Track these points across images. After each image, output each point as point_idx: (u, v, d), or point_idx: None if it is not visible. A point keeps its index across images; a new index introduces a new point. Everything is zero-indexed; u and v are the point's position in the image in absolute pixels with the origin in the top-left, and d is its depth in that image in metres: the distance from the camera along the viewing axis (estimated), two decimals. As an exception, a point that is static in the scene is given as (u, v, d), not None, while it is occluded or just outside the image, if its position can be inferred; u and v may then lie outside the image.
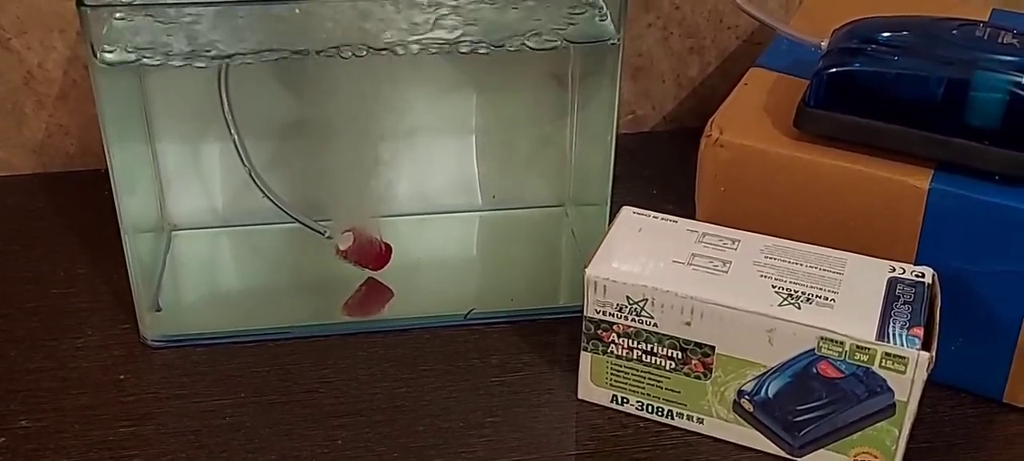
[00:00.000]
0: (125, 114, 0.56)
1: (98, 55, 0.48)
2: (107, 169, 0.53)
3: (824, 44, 0.54)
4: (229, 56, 0.50)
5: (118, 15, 0.50)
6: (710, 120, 0.54)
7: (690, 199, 0.55)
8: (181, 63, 0.49)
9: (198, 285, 0.61)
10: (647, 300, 0.48)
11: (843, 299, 0.47)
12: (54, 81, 0.69)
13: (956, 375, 0.52)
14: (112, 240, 0.56)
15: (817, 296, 0.47)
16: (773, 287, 0.48)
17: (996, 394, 0.52)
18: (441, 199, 0.63)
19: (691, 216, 0.55)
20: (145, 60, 0.49)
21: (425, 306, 0.58)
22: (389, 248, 0.58)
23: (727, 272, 0.49)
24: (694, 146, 0.55)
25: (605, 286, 0.49)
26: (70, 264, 0.62)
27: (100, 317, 0.58)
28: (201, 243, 0.62)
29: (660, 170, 0.72)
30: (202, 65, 0.50)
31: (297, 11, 0.50)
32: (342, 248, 0.57)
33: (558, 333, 0.57)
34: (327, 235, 0.57)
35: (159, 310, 0.57)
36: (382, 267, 0.58)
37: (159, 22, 0.49)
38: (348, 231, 0.57)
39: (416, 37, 0.51)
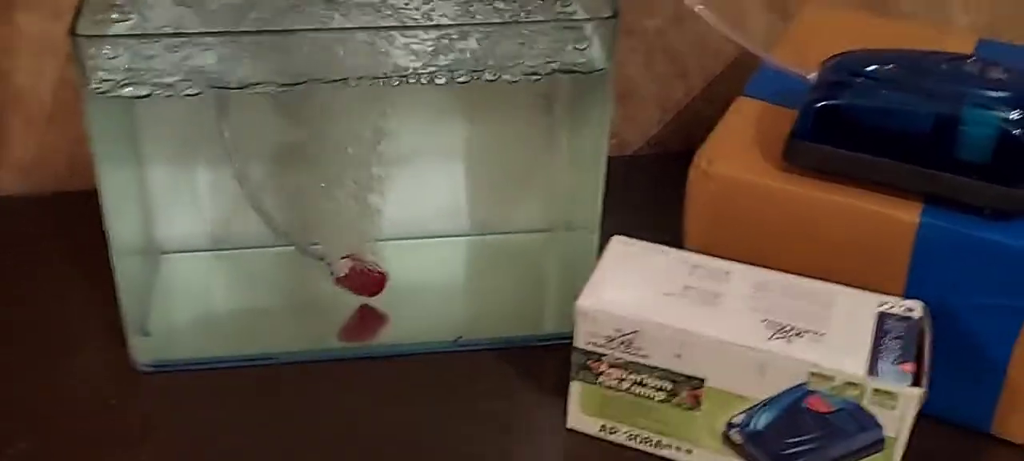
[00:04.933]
0: (115, 138, 0.55)
1: (90, 83, 0.48)
2: (95, 190, 0.53)
3: (812, 76, 0.54)
4: (224, 87, 0.50)
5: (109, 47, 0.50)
6: (699, 150, 0.55)
7: (676, 224, 0.55)
8: (175, 93, 0.49)
9: (187, 309, 0.61)
10: (638, 332, 0.48)
11: (833, 333, 0.47)
12: (43, 103, 0.69)
13: (944, 407, 0.52)
14: (102, 262, 0.55)
15: (807, 330, 0.47)
16: (763, 320, 0.48)
17: (984, 426, 0.53)
18: (431, 223, 0.63)
19: (678, 241, 0.55)
20: (138, 90, 0.49)
21: (415, 332, 0.58)
22: (384, 275, 0.58)
23: (718, 305, 0.49)
24: (679, 170, 0.55)
25: (596, 318, 0.49)
26: (61, 286, 0.62)
27: (92, 340, 0.58)
28: (190, 266, 0.62)
29: (646, 194, 0.72)
30: (197, 91, 0.50)
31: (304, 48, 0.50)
32: (339, 276, 0.57)
33: (547, 360, 0.57)
34: (326, 263, 0.57)
35: (147, 334, 0.57)
36: (377, 293, 0.58)
37: (153, 52, 0.49)
38: (346, 259, 0.57)
39: (413, 67, 0.51)
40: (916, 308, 0.49)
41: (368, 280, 0.58)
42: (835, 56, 0.54)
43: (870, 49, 0.54)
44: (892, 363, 0.46)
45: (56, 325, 0.59)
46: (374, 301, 0.59)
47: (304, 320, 0.59)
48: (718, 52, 0.77)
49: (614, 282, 0.50)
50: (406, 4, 0.55)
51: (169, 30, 0.50)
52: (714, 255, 0.53)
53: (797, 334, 0.47)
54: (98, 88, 0.48)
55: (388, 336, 0.58)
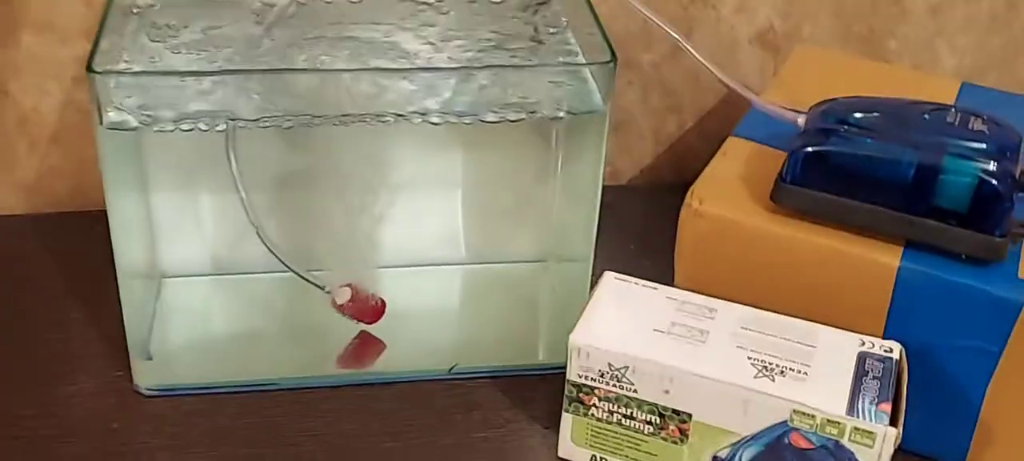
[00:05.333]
0: (124, 165, 0.57)
1: (104, 119, 0.49)
2: (96, 211, 0.54)
3: (801, 120, 0.56)
4: (233, 121, 0.52)
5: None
6: (690, 190, 0.56)
7: (666, 255, 0.57)
8: (188, 127, 0.51)
9: (189, 334, 0.62)
10: (628, 367, 0.50)
11: (815, 372, 0.49)
12: (48, 124, 0.70)
13: (920, 442, 0.54)
14: (102, 284, 0.57)
15: (790, 369, 0.49)
16: (749, 358, 0.50)
17: (958, 461, 0.55)
18: (428, 252, 0.65)
19: (668, 272, 0.57)
20: (150, 125, 0.50)
21: (411, 360, 0.60)
22: (383, 303, 0.59)
23: (705, 342, 0.51)
24: (670, 200, 0.57)
25: (589, 353, 0.51)
26: (62, 308, 0.63)
27: (93, 363, 0.59)
28: (192, 290, 0.63)
29: (638, 225, 0.74)
30: (205, 128, 0.51)
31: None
32: (339, 302, 0.58)
33: (539, 389, 0.58)
34: (327, 290, 0.58)
35: (149, 359, 0.58)
36: (376, 321, 0.59)
37: (165, 88, 0.51)
38: (345, 286, 0.58)
39: (413, 108, 0.53)
40: (894, 349, 0.51)
41: (367, 308, 0.59)
42: (823, 102, 0.56)
43: (856, 97, 0.56)
44: (871, 403, 0.48)
45: (57, 346, 0.60)
46: (372, 328, 0.60)
47: (303, 346, 0.61)
48: (711, 88, 0.79)
49: (606, 318, 0.52)
50: (412, 48, 0.56)
51: (182, 67, 0.51)
52: (703, 290, 0.55)
53: (780, 372, 0.49)
54: (112, 122, 0.50)
55: (385, 363, 0.60)
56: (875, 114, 0.54)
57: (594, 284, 0.56)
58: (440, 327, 0.63)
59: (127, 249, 0.56)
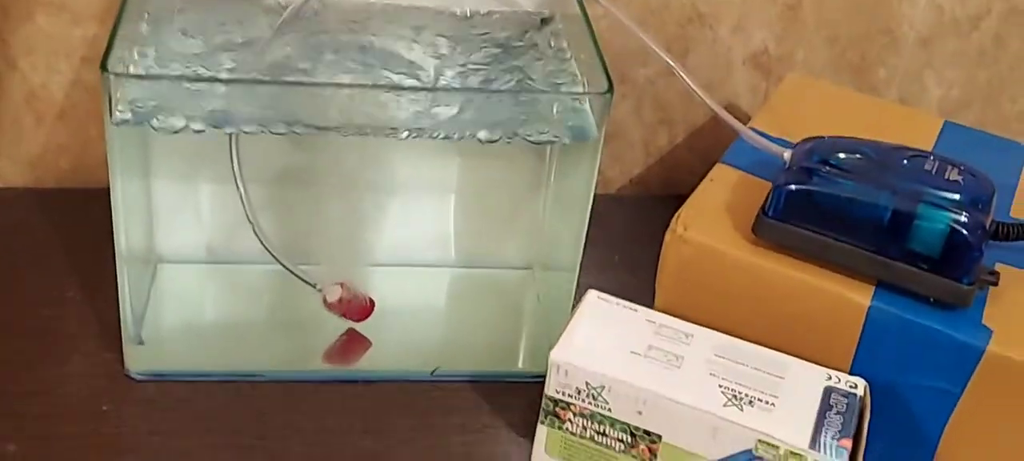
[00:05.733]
0: (130, 155, 0.58)
1: (114, 115, 0.51)
2: (98, 189, 0.55)
3: (786, 155, 0.58)
4: (239, 128, 0.54)
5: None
6: (676, 214, 0.58)
7: (649, 269, 0.59)
8: (197, 128, 0.52)
9: (182, 321, 0.64)
10: (605, 387, 0.52)
11: (782, 403, 0.51)
12: (55, 102, 0.71)
13: (880, 472, 0.57)
14: (100, 263, 0.58)
15: (759, 399, 0.51)
16: (720, 386, 0.52)
17: (915, 494, 0.57)
18: (417, 253, 0.67)
19: (650, 286, 0.59)
20: (159, 125, 0.52)
21: (394, 360, 0.62)
22: (372, 302, 0.61)
23: (680, 367, 0.53)
24: (657, 213, 0.60)
25: (567, 370, 0.53)
26: (60, 285, 0.65)
27: (86, 344, 0.61)
28: (186, 277, 0.65)
29: (624, 236, 0.76)
30: (215, 129, 0.53)
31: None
32: (330, 300, 0.60)
33: (517, 396, 0.60)
34: (318, 288, 0.60)
35: (141, 343, 0.60)
36: (364, 319, 0.61)
37: (174, 89, 0.52)
38: (336, 285, 0.60)
39: (408, 125, 0.54)
40: (859, 385, 0.53)
41: (357, 306, 0.61)
42: (808, 139, 0.58)
43: (841, 137, 0.58)
44: (832, 438, 0.50)
45: (50, 325, 0.62)
46: (360, 326, 0.62)
47: (292, 340, 0.63)
48: (703, 106, 0.80)
49: (586, 336, 0.54)
50: (416, 62, 0.58)
51: (192, 70, 0.53)
52: (682, 312, 0.57)
53: (749, 402, 0.51)
54: (123, 118, 0.51)
55: (370, 361, 0.62)
56: (857, 156, 0.56)
57: (578, 299, 0.58)
58: (425, 328, 0.65)
59: (126, 234, 0.57)
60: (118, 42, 0.52)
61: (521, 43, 0.61)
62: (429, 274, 0.67)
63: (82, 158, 0.73)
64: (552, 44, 0.62)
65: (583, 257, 0.62)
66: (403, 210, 0.65)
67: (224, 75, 0.55)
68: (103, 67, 0.50)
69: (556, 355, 0.53)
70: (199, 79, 0.53)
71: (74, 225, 0.69)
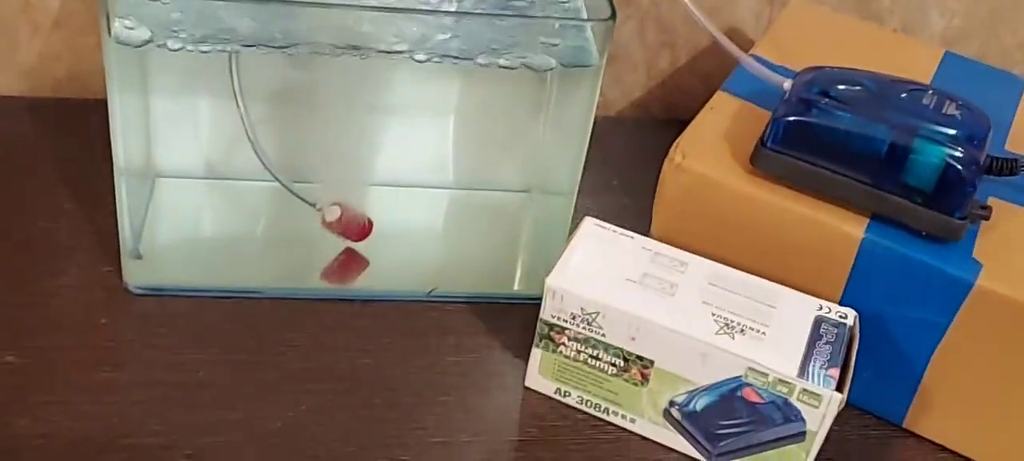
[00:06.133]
0: (128, 69, 0.58)
1: (112, 31, 0.51)
2: (94, 99, 0.55)
3: (786, 85, 0.58)
4: (239, 45, 0.53)
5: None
6: (675, 143, 0.58)
7: (647, 193, 0.59)
8: (192, 48, 0.52)
9: (179, 236, 0.64)
10: (599, 313, 0.53)
11: (773, 332, 0.52)
12: (50, 11, 0.71)
13: (865, 399, 0.58)
14: (95, 176, 0.58)
15: (750, 327, 0.52)
16: (713, 314, 0.53)
17: (897, 420, 0.58)
18: (417, 174, 0.67)
19: (647, 210, 0.59)
20: (155, 42, 0.51)
21: (393, 280, 0.62)
22: (371, 223, 0.61)
23: (673, 295, 0.53)
24: (657, 137, 0.60)
25: (562, 296, 0.53)
26: (55, 197, 0.65)
27: (83, 256, 0.61)
28: (184, 193, 0.65)
29: (623, 159, 0.76)
30: (208, 49, 0.52)
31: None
32: (329, 220, 0.60)
33: (512, 318, 0.61)
34: (317, 208, 0.60)
35: (139, 257, 0.60)
36: (363, 239, 0.62)
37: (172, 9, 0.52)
38: (335, 205, 0.60)
39: (406, 47, 0.54)
40: (849, 316, 0.53)
41: (355, 226, 0.61)
42: (809, 70, 0.58)
43: (841, 68, 0.57)
44: (821, 367, 0.51)
45: (49, 236, 0.62)
46: (358, 245, 0.63)
47: (290, 257, 0.63)
48: (704, 31, 0.80)
49: (582, 263, 0.55)
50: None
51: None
52: (678, 240, 0.57)
53: (740, 331, 0.52)
54: (119, 37, 0.51)
55: (367, 281, 0.62)
56: (857, 88, 0.56)
57: (575, 224, 0.58)
58: (422, 249, 0.65)
59: (124, 148, 0.57)
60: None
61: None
62: (427, 195, 0.68)
63: (79, 67, 0.73)
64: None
65: (581, 180, 0.62)
66: (402, 130, 0.65)
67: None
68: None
69: (552, 281, 0.54)
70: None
71: (70, 136, 0.69)
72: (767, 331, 0.52)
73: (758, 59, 0.65)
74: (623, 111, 0.83)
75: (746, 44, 0.81)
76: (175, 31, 0.52)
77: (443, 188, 0.68)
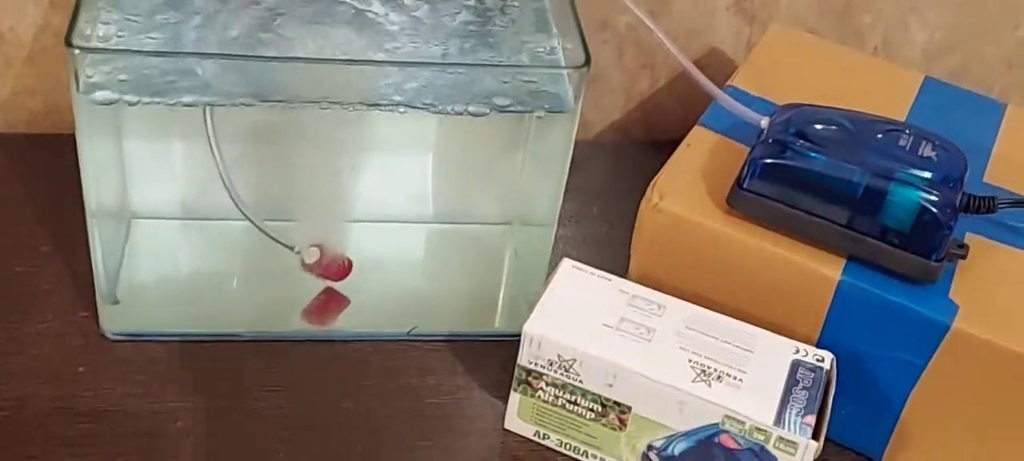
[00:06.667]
0: (99, 120, 0.58)
1: (81, 88, 0.50)
2: (69, 134, 0.54)
3: (764, 123, 0.58)
4: (212, 98, 0.53)
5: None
6: (652, 182, 0.58)
7: (627, 221, 0.59)
8: (163, 101, 0.51)
9: (157, 279, 0.64)
10: (576, 360, 0.53)
11: (750, 379, 0.52)
12: (24, 45, 0.70)
13: (844, 435, 0.58)
14: (73, 214, 0.58)
15: (727, 374, 0.52)
16: (689, 361, 0.53)
17: (876, 457, 0.58)
18: (396, 208, 0.67)
19: (627, 239, 0.59)
20: (127, 98, 0.51)
21: (372, 319, 0.62)
22: (350, 262, 0.61)
23: (650, 341, 0.53)
24: (636, 159, 0.61)
25: (540, 342, 0.53)
26: (32, 238, 0.64)
27: (61, 300, 0.61)
28: (161, 234, 0.65)
29: (602, 184, 0.76)
30: (178, 103, 0.52)
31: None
32: (308, 262, 0.60)
33: (493, 356, 0.61)
34: (296, 250, 0.60)
35: (116, 303, 0.60)
36: (342, 279, 0.62)
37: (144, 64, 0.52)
38: (314, 246, 0.60)
39: (385, 94, 0.54)
40: (825, 359, 0.54)
41: (335, 267, 0.61)
42: (785, 108, 0.58)
43: (818, 108, 0.57)
44: (797, 414, 0.51)
45: (25, 280, 0.61)
46: (338, 284, 0.62)
47: (269, 298, 0.63)
48: (685, 49, 0.79)
49: (560, 308, 0.55)
50: (387, 17, 0.57)
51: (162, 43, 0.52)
52: (656, 278, 0.58)
53: (717, 377, 0.52)
54: (92, 98, 0.50)
55: (347, 321, 0.62)
56: (833, 128, 0.55)
57: (554, 262, 0.58)
58: (403, 286, 0.65)
59: (97, 193, 0.57)
60: (82, 8, 0.51)
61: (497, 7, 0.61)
62: (407, 230, 0.67)
63: (53, 101, 0.72)
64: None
65: (561, 208, 0.62)
66: (380, 167, 0.65)
67: (193, 40, 0.54)
68: (68, 42, 0.49)
69: (529, 328, 0.53)
70: (166, 54, 0.52)
71: (46, 173, 0.68)
72: (744, 377, 0.52)
73: (736, 91, 0.65)
74: (602, 133, 0.83)
75: (726, 66, 0.81)
76: (147, 87, 0.51)
77: (423, 222, 0.68)
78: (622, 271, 0.59)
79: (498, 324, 0.64)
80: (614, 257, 0.60)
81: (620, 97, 0.82)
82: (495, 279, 0.67)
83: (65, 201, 0.61)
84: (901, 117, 0.64)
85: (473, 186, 0.67)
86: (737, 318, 0.56)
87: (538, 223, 0.64)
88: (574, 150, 0.61)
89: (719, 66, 0.81)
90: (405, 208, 0.67)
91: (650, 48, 0.79)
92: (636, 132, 0.83)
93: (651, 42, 0.79)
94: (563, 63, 0.57)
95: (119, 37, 0.54)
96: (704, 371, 0.52)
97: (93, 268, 0.58)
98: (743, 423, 0.51)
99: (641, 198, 0.58)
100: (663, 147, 0.61)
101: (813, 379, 0.53)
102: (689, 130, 0.63)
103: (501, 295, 0.66)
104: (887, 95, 0.66)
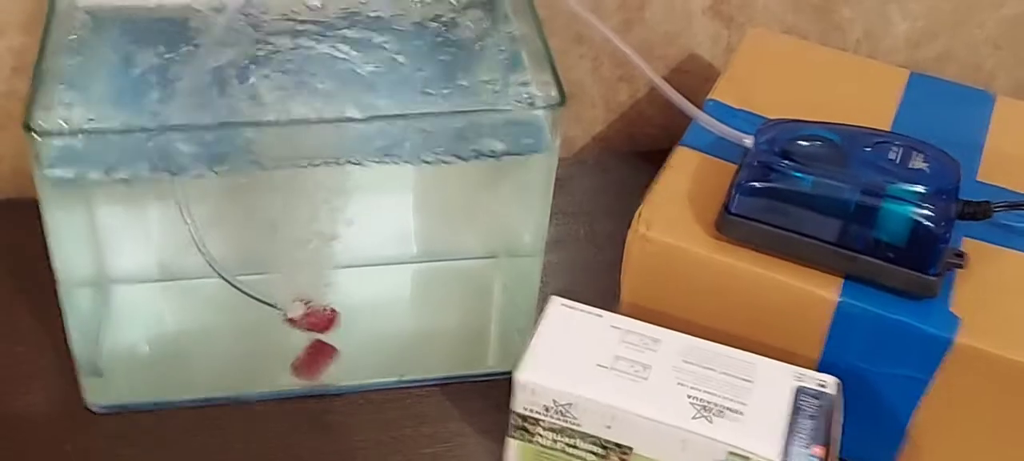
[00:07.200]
0: (67, 193, 0.56)
1: (43, 168, 0.49)
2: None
3: (747, 142, 0.56)
4: (179, 171, 0.51)
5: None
6: (638, 212, 0.57)
7: (614, 243, 0.58)
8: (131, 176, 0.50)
9: (139, 345, 0.62)
10: (572, 404, 0.52)
11: (752, 411, 0.51)
12: (-13, 110, 0.69)
13: (851, 451, 0.56)
14: (50, 283, 0.56)
15: (728, 408, 0.51)
16: (688, 397, 0.51)
17: (886, 473, 0.57)
18: (377, 251, 0.65)
19: (615, 262, 0.58)
20: (91, 176, 0.49)
21: (361, 368, 0.61)
22: (335, 313, 0.60)
23: (647, 379, 0.52)
24: (621, 172, 0.61)
25: (533, 389, 0.52)
26: (11, 311, 0.63)
27: (44, 375, 0.59)
28: (141, 298, 0.63)
29: (588, 203, 0.74)
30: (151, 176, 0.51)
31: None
32: (292, 317, 0.59)
33: (487, 398, 0.60)
34: (278, 307, 0.58)
35: (100, 375, 0.59)
36: (329, 330, 0.60)
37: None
38: (298, 301, 0.58)
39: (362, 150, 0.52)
40: (829, 384, 0.52)
41: (321, 319, 0.60)
42: (768, 126, 0.56)
43: (801, 123, 0.56)
44: (803, 447, 0.50)
45: (10, 357, 0.60)
46: (324, 335, 0.61)
47: (255, 356, 0.61)
48: (663, 56, 0.78)
49: (551, 350, 0.53)
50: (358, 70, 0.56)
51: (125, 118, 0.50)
52: (647, 307, 0.56)
53: (718, 412, 0.51)
54: (52, 177, 0.49)
55: (336, 373, 0.61)
56: (819, 144, 0.54)
57: (542, 296, 0.57)
58: (391, 331, 0.64)
59: (68, 264, 0.55)
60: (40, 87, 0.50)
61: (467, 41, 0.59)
62: (391, 272, 0.66)
63: (20, 165, 0.70)
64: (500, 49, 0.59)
65: (547, 233, 0.61)
66: (359, 210, 0.63)
67: (154, 109, 0.52)
68: (27, 127, 0.47)
69: (521, 375, 0.52)
70: (131, 131, 0.50)
71: (18, 241, 0.66)
72: (745, 409, 0.51)
73: (717, 105, 0.63)
74: (586, 148, 0.82)
75: (705, 71, 0.80)
76: (112, 165, 0.50)
77: (407, 262, 0.66)
78: (613, 296, 0.58)
79: (491, 362, 0.63)
80: (604, 283, 0.59)
81: (601, 110, 0.81)
82: (485, 315, 0.66)
83: (41, 268, 0.59)
84: (889, 117, 0.63)
85: (455, 221, 0.66)
86: (734, 345, 0.54)
87: (524, 254, 0.63)
88: (558, 170, 0.59)
89: (699, 71, 0.79)
90: (387, 249, 0.65)
91: (627, 59, 0.77)
92: (619, 143, 0.82)
93: (628, 51, 0.77)
94: (537, 99, 0.56)
95: (81, 109, 0.52)
96: (704, 406, 0.51)
97: (69, 342, 0.57)
98: (747, 459, 0.50)
99: (628, 217, 0.57)
100: (647, 158, 0.60)
101: (818, 407, 0.51)
102: (673, 138, 0.62)
103: (492, 330, 0.65)
104: (873, 96, 0.65)
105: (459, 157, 0.54)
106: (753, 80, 0.66)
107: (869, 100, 0.64)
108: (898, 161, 0.53)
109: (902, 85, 0.66)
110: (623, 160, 0.80)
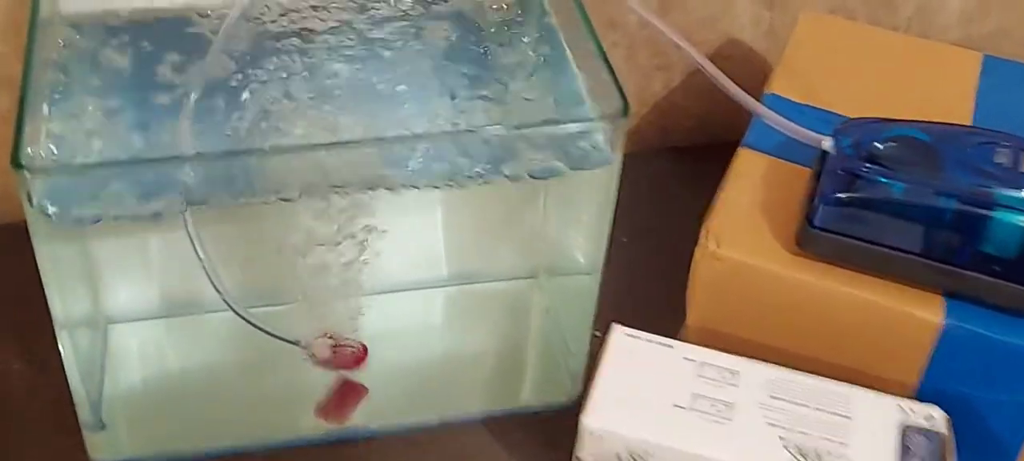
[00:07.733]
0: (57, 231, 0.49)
1: (34, 204, 0.42)
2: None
3: (826, 144, 0.50)
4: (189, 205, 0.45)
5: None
6: (705, 226, 0.51)
7: (660, 250, 0.53)
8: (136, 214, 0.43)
9: (144, 392, 0.55)
10: (649, 453, 0.45)
11: (855, 453, 0.45)
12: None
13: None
14: (44, 322, 0.49)
15: (828, 451, 0.45)
16: (781, 438, 0.45)
17: (992, 506, 0.52)
18: (405, 275, 0.59)
19: (665, 272, 0.52)
20: (86, 214, 0.43)
21: (394, 410, 0.54)
22: (365, 348, 0.53)
23: (731, 420, 0.46)
24: (657, 169, 0.57)
25: (603, 436, 0.46)
26: (2, 353, 0.56)
27: (41, 427, 0.53)
28: (142, 338, 0.56)
29: (625, 205, 0.68)
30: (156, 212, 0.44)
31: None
32: (321, 358, 0.52)
33: (536, 433, 0.54)
34: (302, 345, 0.52)
35: (103, 429, 0.52)
36: (359, 367, 0.54)
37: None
38: (323, 338, 0.52)
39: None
40: (937, 418, 0.46)
41: (349, 356, 0.53)
42: (848, 125, 0.50)
43: (885, 122, 0.50)
44: (918, 494, 0.44)
45: (5, 407, 0.54)
46: (353, 372, 0.54)
47: (276, 398, 0.55)
48: (702, 42, 0.72)
49: (619, 389, 0.47)
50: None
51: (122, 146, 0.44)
52: (718, 328, 0.50)
53: (817, 456, 0.45)
54: (46, 212, 0.42)
55: (367, 415, 0.54)
56: (910, 145, 0.48)
57: (600, 325, 0.51)
58: (424, 365, 0.57)
59: (64, 302, 0.48)
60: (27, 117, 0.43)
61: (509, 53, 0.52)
62: (422, 298, 0.59)
63: (6, 190, 0.63)
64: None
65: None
66: (389, 232, 0.57)
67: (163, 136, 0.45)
68: (15, 163, 0.40)
69: (588, 420, 0.46)
70: (130, 163, 0.44)
71: (10, 274, 0.59)
72: (847, 452, 0.45)
73: (778, 100, 0.57)
74: (618, 146, 0.75)
75: (748, 57, 0.74)
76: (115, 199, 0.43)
77: (438, 287, 0.60)
78: (664, 315, 0.52)
79: (536, 394, 0.56)
80: (657, 296, 0.53)
81: (633, 101, 0.73)
82: (526, 342, 0.59)
83: (33, 303, 0.52)
84: (969, 108, 0.57)
85: (489, 239, 0.59)
86: (817, 373, 0.48)
87: (574, 272, 0.56)
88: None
89: (741, 58, 0.73)
90: (417, 273, 0.59)
91: (664, 47, 0.72)
92: (651, 138, 0.75)
93: (665, 41, 0.71)
94: (594, 110, 0.49)
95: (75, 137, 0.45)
96: (801, 451, 0.45)
97: (71, 391, 0.50)
98: (855, 511, 0.44)
99: (668, 219, 0.51)
100: (682, 154, 0.54)
101: (927, 446, 0.45)
102: (708, 132, 0.56)
103: (536, 360, 0.58)
104: (947, 85, 0.59)
105: (508, 177, 0.47)
106: (813, 70, 0.60)
107: (943, 89, 0.58)
108: (1008, 164, 0.47)
109: (977, 70, 0.60)
110: (658, 157, 0.74)
